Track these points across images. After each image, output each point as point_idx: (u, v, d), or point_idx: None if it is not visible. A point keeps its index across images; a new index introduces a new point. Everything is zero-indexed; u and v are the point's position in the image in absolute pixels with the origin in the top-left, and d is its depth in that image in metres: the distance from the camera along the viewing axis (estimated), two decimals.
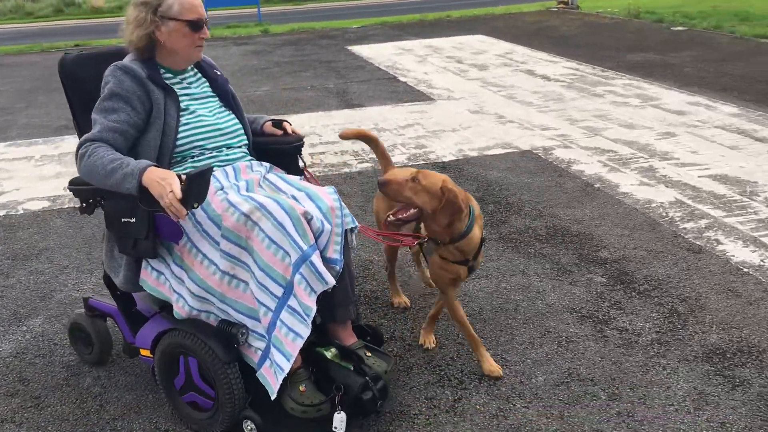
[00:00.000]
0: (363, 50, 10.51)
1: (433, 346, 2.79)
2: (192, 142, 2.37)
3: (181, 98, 2.40)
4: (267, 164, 2.53)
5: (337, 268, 2.26)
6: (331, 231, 2.25)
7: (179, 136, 2.35)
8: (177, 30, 2.36)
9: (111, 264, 2.40)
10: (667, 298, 3.07)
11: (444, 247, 2.52)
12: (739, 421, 2.29)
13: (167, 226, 2.19)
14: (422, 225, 2.61)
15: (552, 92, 7.15)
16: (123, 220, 2.23)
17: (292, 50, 10.96)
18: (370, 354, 2.34)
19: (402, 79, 8.21)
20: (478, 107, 6.68)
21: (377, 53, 10.19)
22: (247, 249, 2.15)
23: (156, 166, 2.13)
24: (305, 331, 2.11)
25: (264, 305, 2.13)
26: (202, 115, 2.43)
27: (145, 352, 2.42)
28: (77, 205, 2.63)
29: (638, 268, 3.35)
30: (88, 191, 2.33)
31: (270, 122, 2.71)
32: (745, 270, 3.28)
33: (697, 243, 3.59)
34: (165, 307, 2.39)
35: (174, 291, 2.26)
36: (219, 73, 2.59)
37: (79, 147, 2.24)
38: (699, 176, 4.54)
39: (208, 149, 2.41)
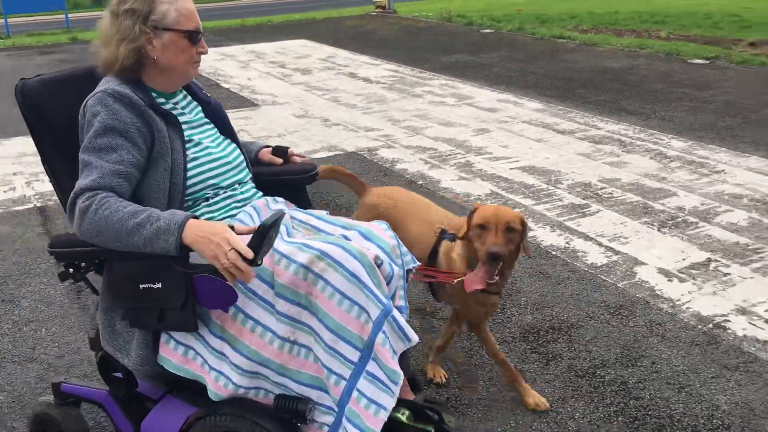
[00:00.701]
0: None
1: (445, 379, 2.57)
2: (205, 180, 1.97)
3: (182, 127, 1.99)
4: (281, 199, 2.16)
5: (405, 317, 1.93)
6: (396, 275, 1.93)
7: (189, 174, 1.93)
8: (173, 43, 1.93)
9: (115, 342, 1.89)
10: None
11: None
12: (554, 393, 2.49)
13: (215, 292, 1.69)
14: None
15: (374, 94, 7.35)
16: (142, 286, 1.75)
17: None
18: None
19: (225, 85, 8.06)
20: (303, 111, 6.72)
21: None
22: (308, 307, 1.75)
23: (194, 216, 1.73)
24: (390, 402, 1.73)
25: (335, 373, 1.73)
26: (209, 147, 2.02)
27: None
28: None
29: None
30: (83, 253, 1.84)
31: (267, 149, 2.33)
32: (554, 253, 3.57)
33: None
34: (175, 384, 1.95)
35: (211, 368, 1.79)
36: (209, 96, 2.19)
37: (75, 199, 1.76)
38: (510, 168, 4.87)
39: (222, 187, 2.00)
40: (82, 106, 1.88)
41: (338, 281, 1.72)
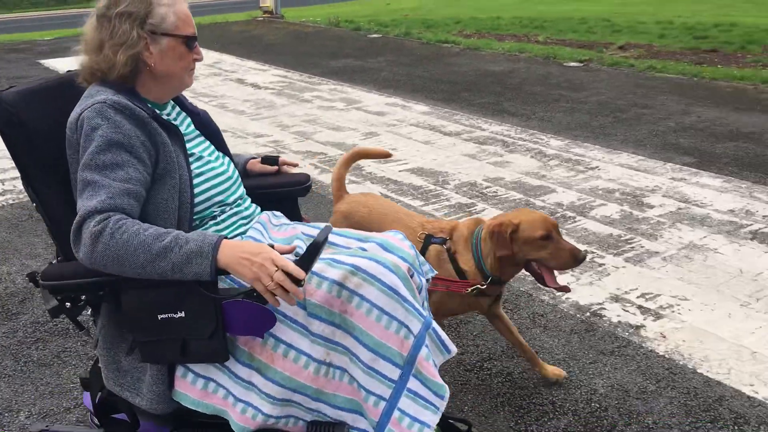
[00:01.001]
0: (59, 63, 9.70)
1: (564, 374, 2.56)
2: (212, 197, 1.83)
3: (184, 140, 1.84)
4: (279, 213, 2.06)
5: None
6: (424, 285, 1.88)
7: (196, 191, 1.79)
8: (172, 49, 1.78)
9: (122, 380, 1.74)
10: None
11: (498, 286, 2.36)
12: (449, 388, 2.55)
13: (251, 318, 1.57)
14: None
15: (263, 100, 7.27)
16: (161, 317, 1.61)
17: None
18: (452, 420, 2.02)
19: None
20: None
21: (76, 66, 9.47)
22: (342, 326, 1.65)
23: (225, 237, 1.61)
24: (434, 419, 1.64)
25: (374, 394, 1.63)
26: (210, 161, 1.88)
27: None
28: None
29: None
30: (88, 284, 1.66)
31: (255, 160, 2.21)
32: None
33: None
34: (180, 421, 1.78)
35: (238, 400, 1.67)
36: (196, 106, 2.04)
37: (81, 223, 1.58)
38: (399, 171, 4.95)
39: (228, 204, 1.88)
40: (75, 119, 1.69)
41: (375, 296, 1.63)
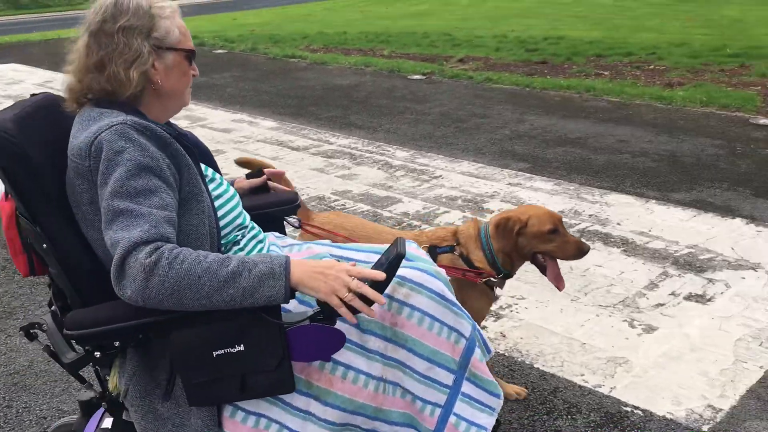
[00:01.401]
0: None
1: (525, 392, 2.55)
2: (233, 220, 1.74)
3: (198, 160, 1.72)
4: (279, 234, 2.03)
5: None
6: None
7: (219, 215, 1.69)
8: (177, 65, 1.66)
9: (162, 429, 1.58)
10: None
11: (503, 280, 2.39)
12: None
13: (320, 341, 1.48)
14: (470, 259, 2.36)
15: None
16: (216, 353, 1.47)
17: None
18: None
19: None
20: None
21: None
22: (393, 340, 1.63)
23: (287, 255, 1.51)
24: (489, 421, 1.67)
25: (430, 403, 1.63)
26: (220, 183, 1.78)
27: None
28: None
29: None
30: (131, 328, 1.50)
31: (240, 178, 2.12)
32: None
33: None
34: None
35: None
36: (180, 126, 1.88)
37: (126, 256, 1.41)
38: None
39: (245, 227, 1.79)
40: (86, 144, 1.51)
41: (425, 304, 1.63)
